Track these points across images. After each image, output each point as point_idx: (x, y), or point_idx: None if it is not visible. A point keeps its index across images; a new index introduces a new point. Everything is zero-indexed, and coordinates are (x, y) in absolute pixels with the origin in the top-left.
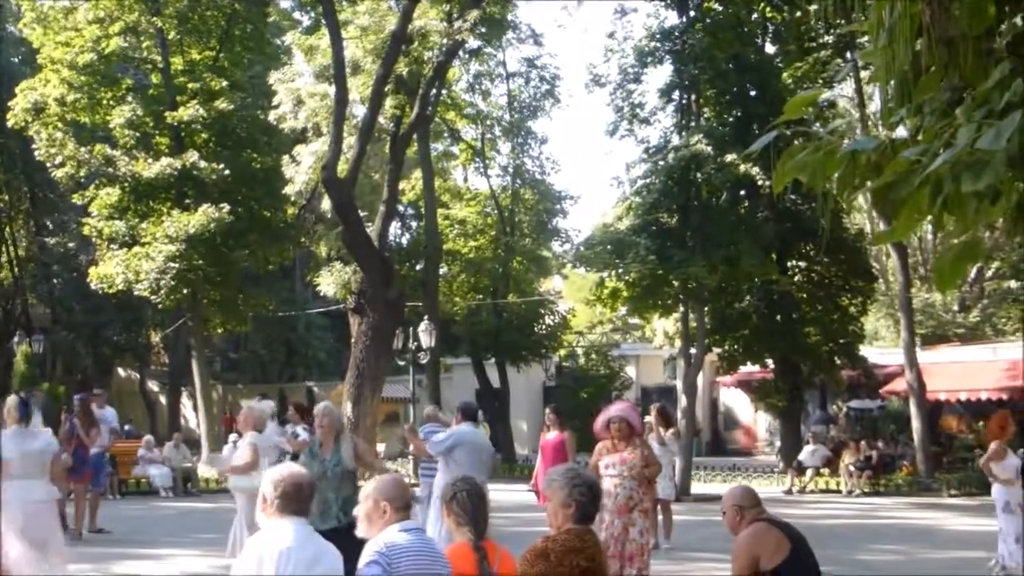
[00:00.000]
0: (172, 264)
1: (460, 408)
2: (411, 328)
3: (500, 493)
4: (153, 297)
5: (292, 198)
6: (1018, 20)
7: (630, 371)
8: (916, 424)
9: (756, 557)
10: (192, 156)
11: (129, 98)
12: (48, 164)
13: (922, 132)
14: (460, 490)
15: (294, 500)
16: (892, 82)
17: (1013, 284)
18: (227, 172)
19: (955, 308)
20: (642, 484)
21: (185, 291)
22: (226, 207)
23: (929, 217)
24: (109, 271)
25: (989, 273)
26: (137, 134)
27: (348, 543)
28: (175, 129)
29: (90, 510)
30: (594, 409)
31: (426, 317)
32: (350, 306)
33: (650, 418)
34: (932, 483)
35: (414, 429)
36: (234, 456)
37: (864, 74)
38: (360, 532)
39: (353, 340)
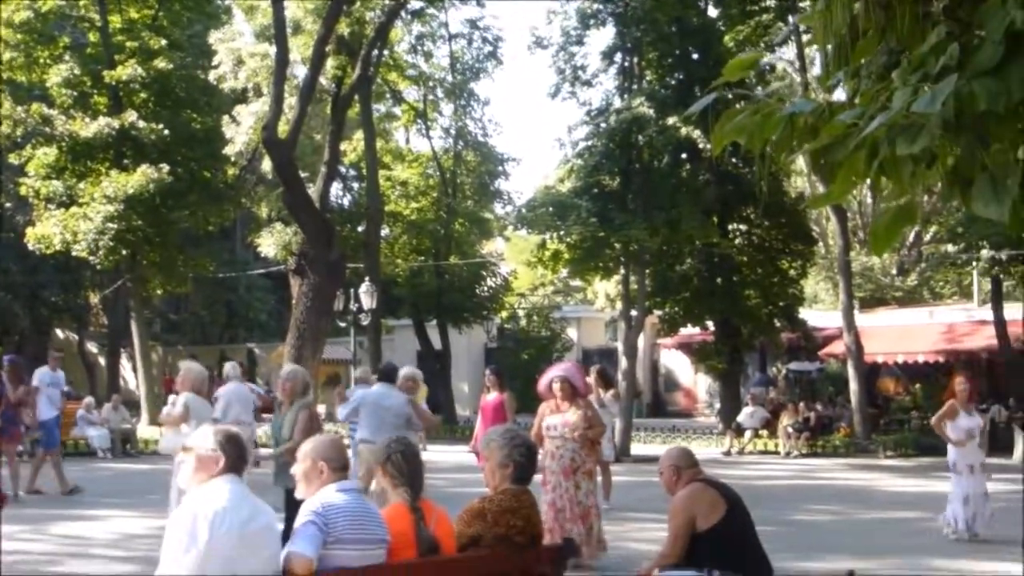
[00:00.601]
0: (110, 224)
1: (379, 368)
2: (352, 289)
3: (440, 454)
4: (91, 258)
5: (232, 159)
6: None
7: (571, 333)
8: (854, 386)
9: (692, 516)
10: (131, 116)
11: (66, 57)
12: None
13: (859, 95)
14: (395, 451)
15: (229, 459)
16: (830, 45)
17: (950, 248)
18: (166, 132)
19: (893, 272)
20: (585, 446)
21: (124, 252)
22: (165, 167)
23: (866, 180)
24: (47, 231)
25: (927, 237)
26: (75, 93)
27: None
28: (113, 88)
29: (58, 470)
30: (535, 371)
31: (367, 278)
32: (291, 267)
33: (590, 380)
34: (869, 444)
35: (343, 394)
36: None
37: (806, 38)
38: (298, 493)
39: (294, 301)
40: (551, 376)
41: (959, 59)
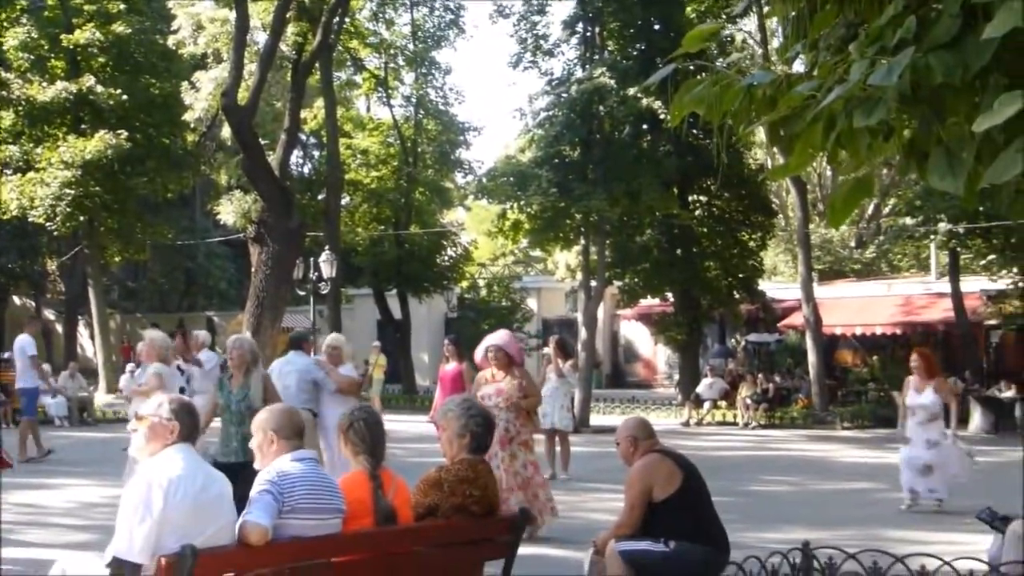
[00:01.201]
0: (68, 190)
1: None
2: (312, 258)
3: (400, 424)
4: (49, 224)
5: (192, 125)
6: None
7: (531, 303)
8: (812, 358)
9: (649, 487)
10: (89, 80)
11: (24, 20)
12: None
13: (817, 67)
14: (357, 419)
15: (184, 428)
16: (789, 17)
17: (908, 221)
18: (125, 97)
19: (852, 244)
20: (519, 416)
21: (81, 218)
22: (124, 133)
23: (824, 152)
24: (3, 197)
25: (886, 210)
26: (32, 57)
27: (248, 478)
28: (71, 52)
29: (24, 438)
30: None
31: (327, 247)
32: (250, 235)
33: (549, 350)
34: (826, 416)
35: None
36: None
37: (766, 9)
38: (256, 464)
39: (253, 269)
40: (486, 345)
41: (916, 32)
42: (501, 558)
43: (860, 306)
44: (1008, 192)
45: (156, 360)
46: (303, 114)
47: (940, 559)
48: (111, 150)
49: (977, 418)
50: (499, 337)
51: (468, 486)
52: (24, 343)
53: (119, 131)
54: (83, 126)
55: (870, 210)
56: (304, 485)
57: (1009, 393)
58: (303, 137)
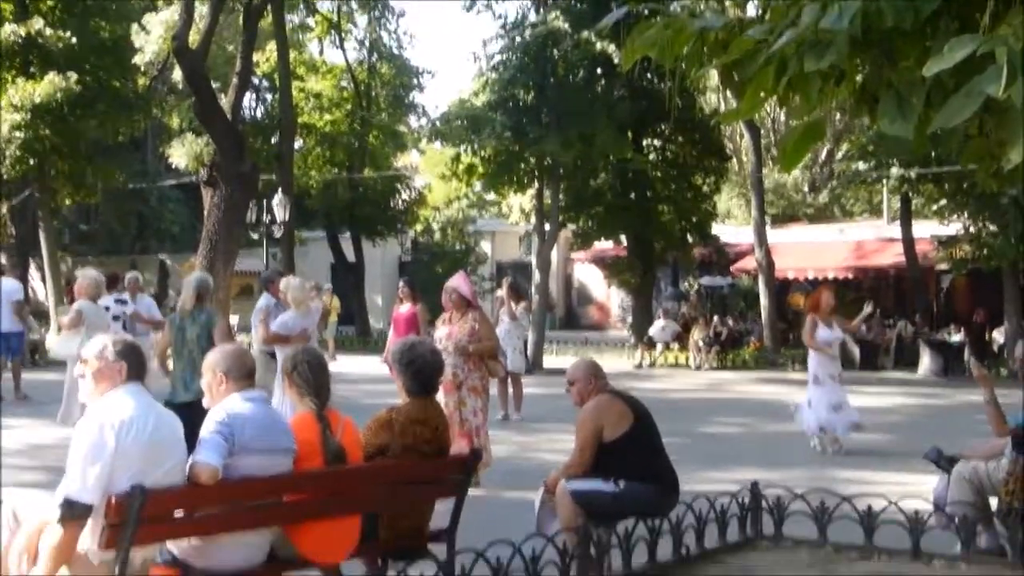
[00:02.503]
0: (17, 134)
1: None
2: (265, 201)
3: (353, 366)
4: None
5: (142, 68)
6: None
7: (485, 247)
8: (764, 301)
9: (600, 427)
10: (37, 23)
11: None
12: None
13: (770, 11)
14: (301, 361)
15: (131, 367)
16: None
17: (861, 166)
18: (74, 40)
19: (805, 188)
20: (469, 360)
21: (31, 161)
22: (73, 76)
23: (775, 96)
24: None
25: (839, 155)
26: None
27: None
28: None
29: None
30: None
31: (280, 190)
32: (202, 178)
33: (501, 292)
34: (778, 358)
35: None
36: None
37: None
38: (205, 403)
39: (206, 213)
40: (445, 287)
41: None
42: (451, 497)
43: (813, 250)
44: (958, 137)
45: (85, 297)
46: (255, 57)
47: (887, 499)
48: (61, 93)
49: (927, 361)
50: (453, 279)
51: (418, 427)
52: (13, 287)
53: (69, 74)
54: (32, 69)
55: (823, 155)
56: (254, 424)
57: (958, 337)
58: (255, 80)
